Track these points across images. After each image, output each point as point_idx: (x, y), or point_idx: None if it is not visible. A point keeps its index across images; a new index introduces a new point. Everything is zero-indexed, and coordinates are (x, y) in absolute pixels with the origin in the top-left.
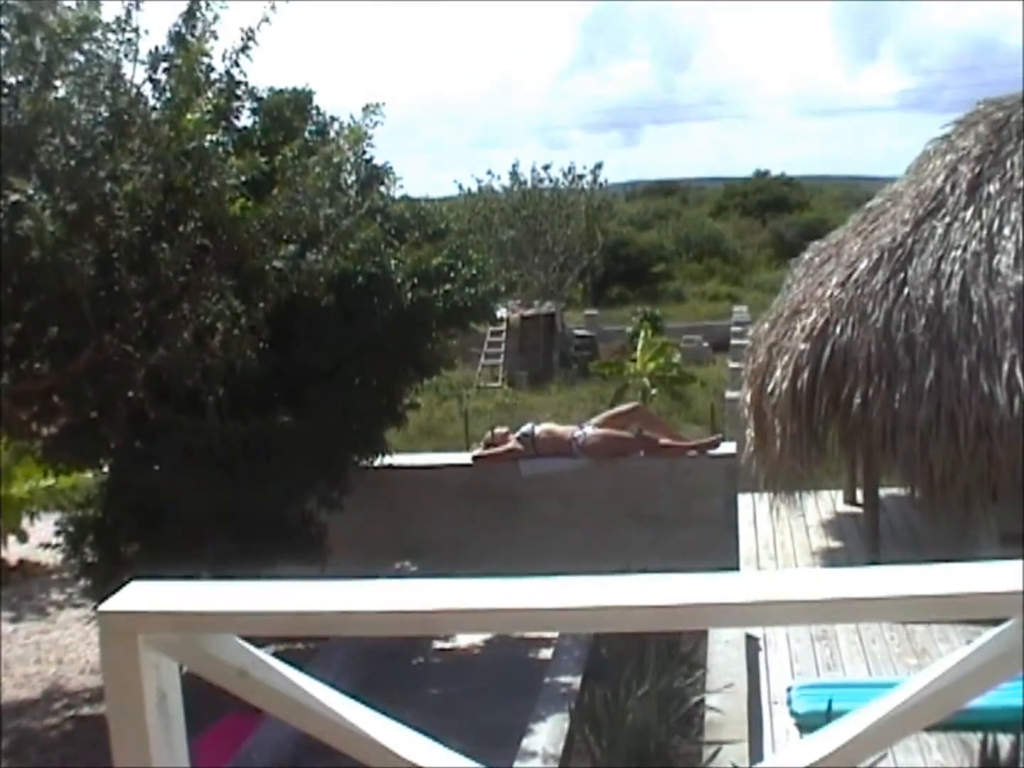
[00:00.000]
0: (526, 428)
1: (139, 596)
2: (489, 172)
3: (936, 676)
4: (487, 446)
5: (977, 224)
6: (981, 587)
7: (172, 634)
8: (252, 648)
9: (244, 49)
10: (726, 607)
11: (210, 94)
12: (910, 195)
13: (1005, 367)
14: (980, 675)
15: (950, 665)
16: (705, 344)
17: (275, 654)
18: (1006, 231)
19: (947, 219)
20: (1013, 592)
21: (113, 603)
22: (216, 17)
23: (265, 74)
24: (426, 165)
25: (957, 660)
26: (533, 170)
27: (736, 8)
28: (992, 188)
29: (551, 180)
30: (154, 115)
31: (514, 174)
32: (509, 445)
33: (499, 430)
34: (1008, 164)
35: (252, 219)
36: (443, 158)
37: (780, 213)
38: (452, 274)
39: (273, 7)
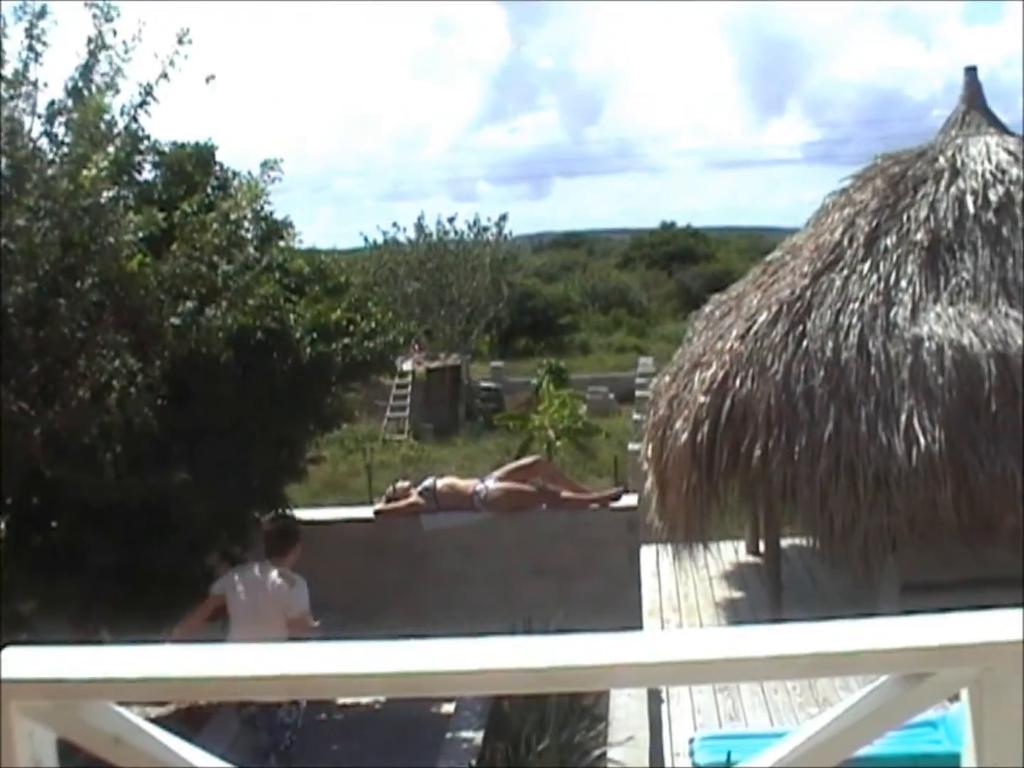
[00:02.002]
0: (427, 482)
1: (12, 663)
2: (395, 224)
3: (820, 728)
4: (388, 500)
5: (874, 277)
6: (868, 644)
7: (46, 702)
8: (128, 714)
9: (143, 104)
10: (628, 667)
11: (110, 148)
12: (809, 248)
13: (903, 418)
14: (863, 727)
15: (833, 718)
16: (611, 395)
17: (176, 712)
18: (903, 284)
19: (845, 272)
20: (892, 649)
21: None
22: (118, 69)
23: (171, 127)
24: (335, 218)
25: (839, 713)
26: (439, 222)
27: (646, 63)
28: (889, 241)
29: (456, 232)
30: (51, 170)
31: (420, 226)
32: (411, 499)
33: (401, 484)
34: (904, 217)
35: (150, 275)
36: (352, 211)
37: (686, 264)
38: (351, 328)
39: (172, 62)
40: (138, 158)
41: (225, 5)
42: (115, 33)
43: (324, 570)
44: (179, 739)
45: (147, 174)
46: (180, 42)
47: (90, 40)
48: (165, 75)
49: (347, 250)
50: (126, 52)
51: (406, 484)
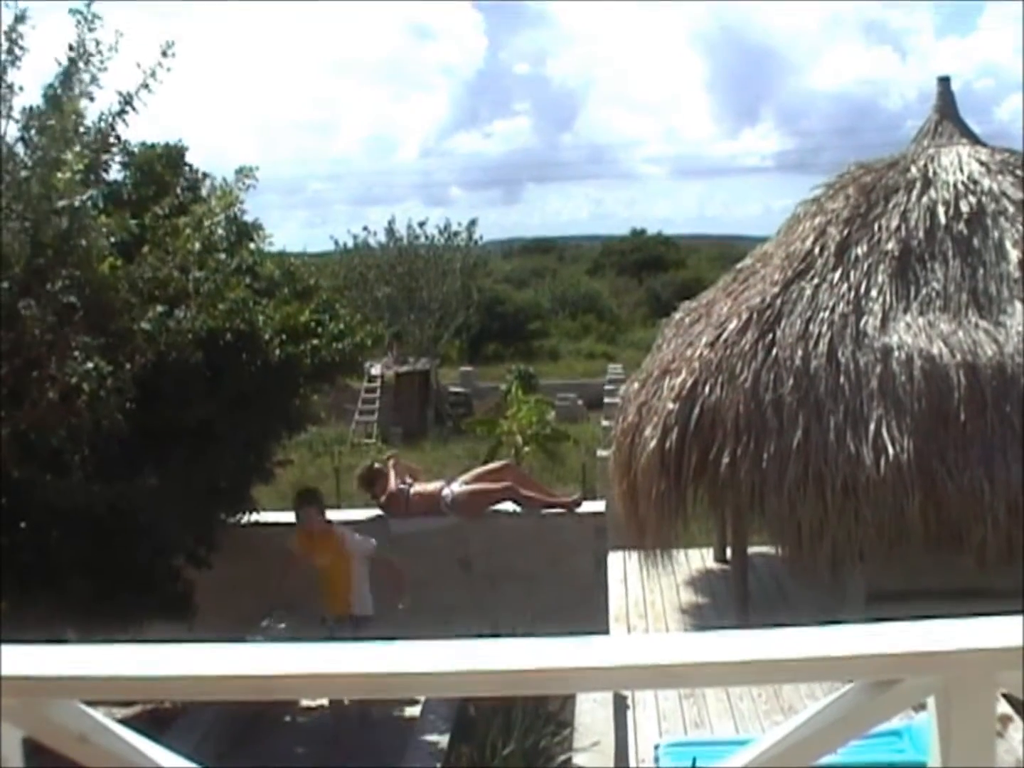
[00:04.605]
0: (400, 486)
1: None
2: (365, 228)
3: (785, 735)
4: (363, 479)
5: (845, 286)
6: (835, 650)
7: (12, 700)
8: (94, 713)
9: (121, 113)
10: (593, 671)
11: (83, 149)
12: (780, 256)
13: (871, 427)
14: (829, 734)
15: (798, 724)
16: (580, 402)
17: (143, 712)
18: (873, 293)
19: (815, 280)
20: (859, 656)
21: None
22: (94, 79)
23: (141, 127)
24: (307, 222)
25: (804, 719)
26: (409, 227)
27: (620, 70)
28: (859, 250)
29: (427, 237)
30: (24, 172)
31: (390, 231)
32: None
33: (377, 465)
34: (875, 227)
35: (121, 279)
36: (324, 214)
37: (656, 272)
38: (320, 329)
39: (153, 73)
40: (105, 156)
41: (198, 7)
42: (98, 43)
43: (291, 572)
44: (145, 738)
45: (116, 174)
46: (164, 55)
47: (71, 47)
48: (146, 86)
49: (318, 254)
50: (101, 62)
51: (368, 463)
